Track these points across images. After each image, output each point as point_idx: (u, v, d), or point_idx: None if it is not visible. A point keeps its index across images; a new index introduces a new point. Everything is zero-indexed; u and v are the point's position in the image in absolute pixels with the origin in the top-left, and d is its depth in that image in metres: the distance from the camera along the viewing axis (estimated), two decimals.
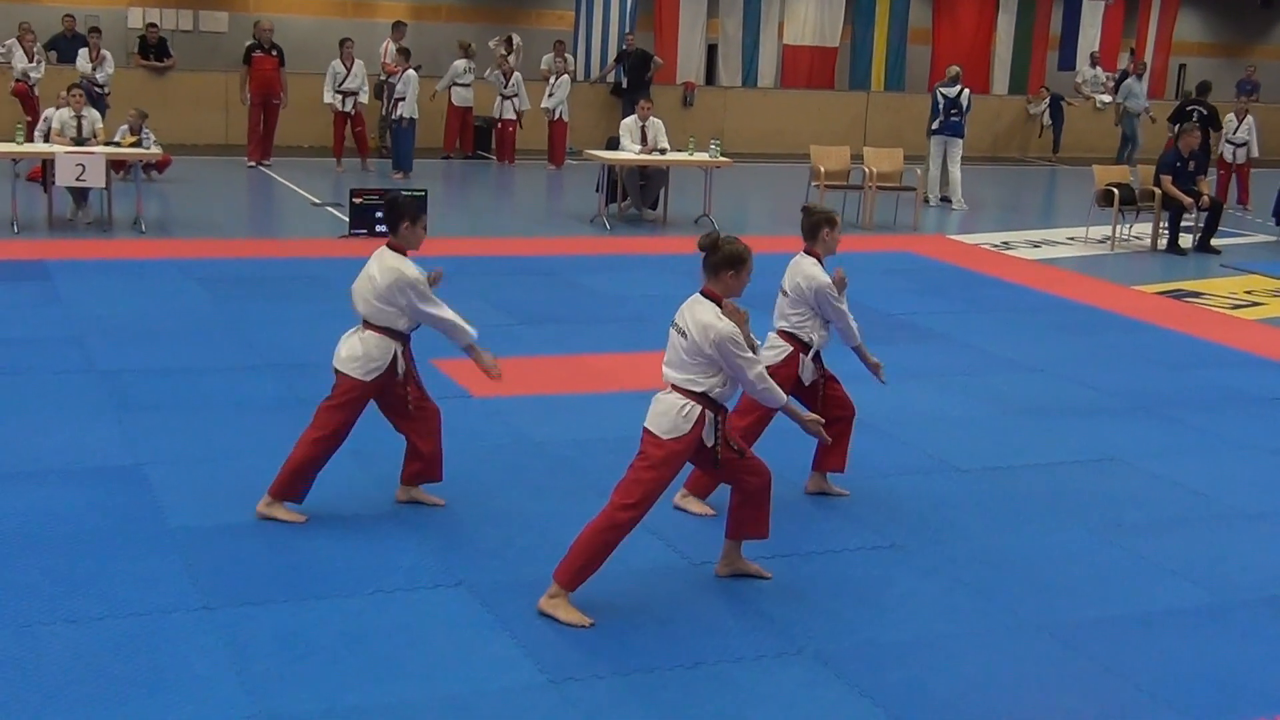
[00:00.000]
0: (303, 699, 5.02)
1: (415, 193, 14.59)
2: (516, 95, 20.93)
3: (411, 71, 19.12)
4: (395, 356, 6.76)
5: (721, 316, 5.82)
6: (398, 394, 6.84)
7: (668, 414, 5.82)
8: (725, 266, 5.89)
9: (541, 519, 6.86)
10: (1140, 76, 24.83)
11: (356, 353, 6.73)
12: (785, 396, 6.07)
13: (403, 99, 18.96)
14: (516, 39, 22.44)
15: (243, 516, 6.67)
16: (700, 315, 5.82)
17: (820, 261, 7.22)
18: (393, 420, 6.94)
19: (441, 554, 6.38)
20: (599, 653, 5.49)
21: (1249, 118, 19.83)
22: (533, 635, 5.61)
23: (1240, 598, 6.38)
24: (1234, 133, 19.93)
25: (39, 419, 8.00)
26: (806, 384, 7.20)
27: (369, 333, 6.76)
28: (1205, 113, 19.70)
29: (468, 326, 6.77)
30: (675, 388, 5.85)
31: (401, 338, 6.80)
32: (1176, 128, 19.46)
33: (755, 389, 5.92)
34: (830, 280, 7.09)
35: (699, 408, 5.81)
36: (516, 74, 21.04)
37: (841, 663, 5.52)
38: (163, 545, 6.30)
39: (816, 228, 7.19)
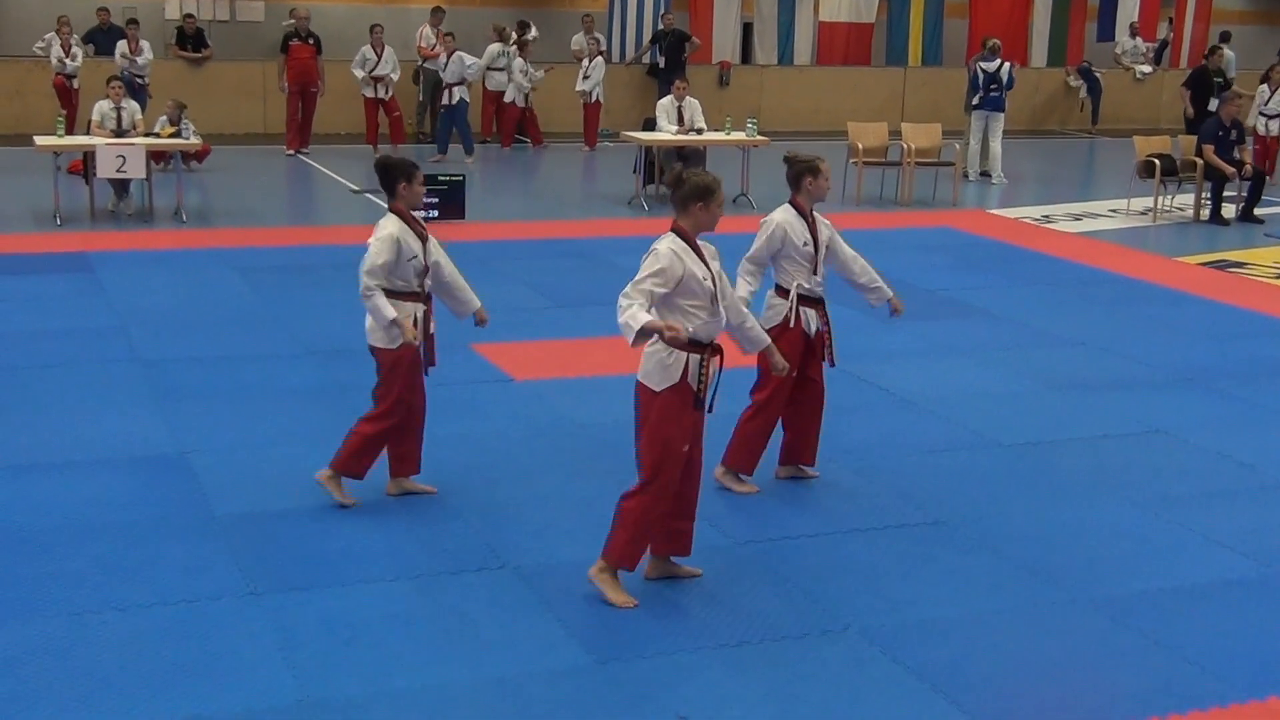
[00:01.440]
0: (350, 683, 5.04)
1: (454, 176, 14.67)
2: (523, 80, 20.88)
3: (461, 53, 19.23)
4: (416, 319, 6.66)
5: (665, 241, 5.73)
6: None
7: (652, 365, 5.73)
8: (693, 199, 5.75)
9: (584, 500, 6.87)
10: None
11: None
12: (638, 330, 5.57)
13: (460, 82, 19.10)
14: (533, 28, 22.37)
15: (287, 503, 6.71)
16: (656, 244, 5.74)
17: (803, 211, 7.07)
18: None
19: (485, 537, 6.39)
20: (644, 633, 5.50)
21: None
22: (578, 617, 5.62)
23: None
24: (1265, 103, 18.88)
25: (84, 409, 8.06)
26: (811, 335, 7.11)
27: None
28: (1222, 81, 19.31)
29: (384, 311, 6.50)
30: None
31: (418, 297, 6.69)
32: (1188, 93, 19.24)
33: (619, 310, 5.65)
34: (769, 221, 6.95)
35: (682, 354, 5.69)
36: (518, 59, 20.96)
37: (887, 640, 5.51)
38: (209, 532, 6.35)
39: (799, 177, 7.04)
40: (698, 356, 5.70)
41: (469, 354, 9.43)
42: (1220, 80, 18.92)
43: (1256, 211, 16.34)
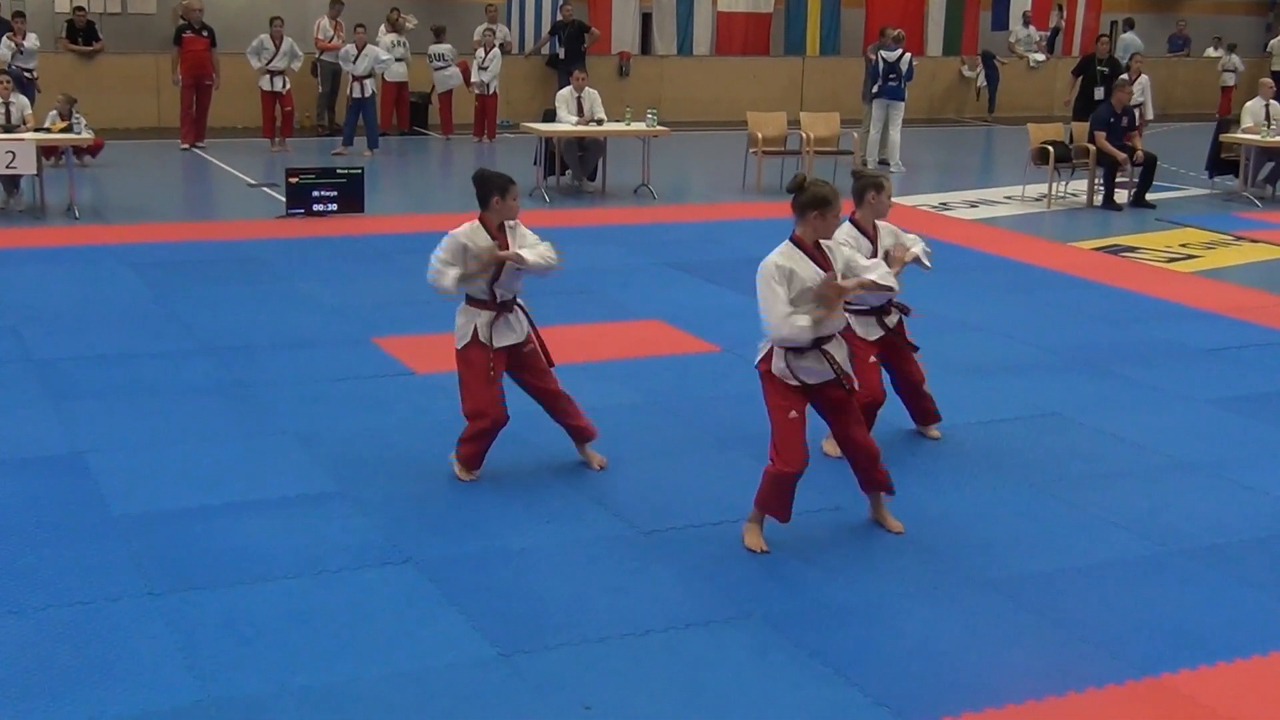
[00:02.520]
0: (252, 681, 5.00)
1: (353, 170, 14.56)
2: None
3: (371, 45, 19.12)
4: (476, 329, 6.88)
5: (779, 252, 6.11)
6: (523, 360, 7.05)
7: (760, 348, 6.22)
8: (810, 208, 6.10)
9: (486, 493, 6.86)
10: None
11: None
12: (797, 331, 6.04)
13: (369, 75, 18.97)
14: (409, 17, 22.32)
15: (186, 501, 6.63)
16: (762, 263, 6.13)
17: (860, 226, 7.23)
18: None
19: (387, 532, 6.36)
20: (548, 625, 5.50)
21: (1143, 78, 19.02)
22: (481, 609, 5.60)
23: (1181, 547, 6.46)
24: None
25: None
26: (873, 340, 7.27)
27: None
28: (1107, 70, 19.46)
29: (448, 274, 6.80)
30: None
31: (481, 304, 6.88)
32: (1079, 80, 19.45)
33: (766, 324, 6.09)
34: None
35: (768, 342, 6.14)
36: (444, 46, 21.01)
37: (790, 626, 5.56)
38: (106, 533, 6.26)
39: (861, 193, 7.18)
40: (784, 351, 6.13)
41: (370, 347, 9.38)
42: (1105, 69, 19.10)
43: (1148, 196, 16.64)
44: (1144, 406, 8.63)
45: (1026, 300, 11.42)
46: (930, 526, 6.60)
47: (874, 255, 7.10)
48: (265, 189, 15.85)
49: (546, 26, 23.67)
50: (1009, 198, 17.10)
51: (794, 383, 6.18)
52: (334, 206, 14.13)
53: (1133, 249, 13.93)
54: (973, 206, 16.42)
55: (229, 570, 5.91)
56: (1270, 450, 7.88)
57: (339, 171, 14.56)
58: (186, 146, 18.96)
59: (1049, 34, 28.25)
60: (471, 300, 6.92)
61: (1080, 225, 15.42)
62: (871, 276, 6.27)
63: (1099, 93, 18.70)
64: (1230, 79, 28.40)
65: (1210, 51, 29.65)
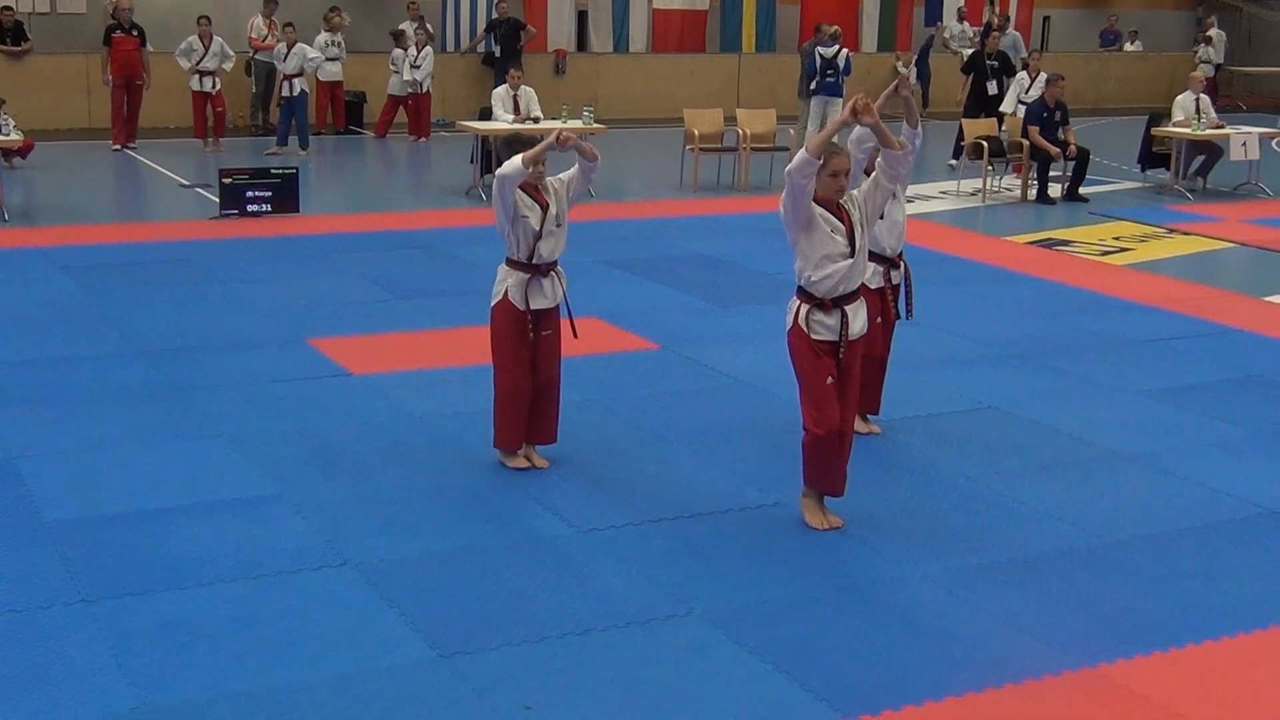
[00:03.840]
0: (188, 688, 4.94)
1: (287, 169, 14.45)
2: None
3: (301, 44, 18.98)
4: (508, 290, 6.97)
5: None
6: (539, 339, 7.08)
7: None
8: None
9: (424, 494, 6.82)
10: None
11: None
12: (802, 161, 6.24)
13: (299, 74, 18.84)
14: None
15: (120, 506, 6.55)
16: None
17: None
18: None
19: (324, 534, 6.31)
20: (489, 625, 5.47)
21: (1041, 76, 18.20)
22: (421, 612, 5.57)
23: (1117, 538, 6.52)
24: (1026, 92, 18.42)
25: None
26: (873, 290, 7.31)
27: None
28: (998, 65, 19.52)
29: (515, 161, 6.79)
30: None
31: (518, 265, 6.96)
32: (970, 77, 19.45)
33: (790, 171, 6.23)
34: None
35: (796, 300, 6.33)
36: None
37: (730, 622, 5.56)
38: (38, 539, 6.17)
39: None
40: (807, 307, 6.30)
41: (305, 349, 9.31)
42: (995, 64, 19.18)
43: (1081, 190, 16.78)
44: (1079, 399, 8.70)
45: (962, 294, 11.49)
46: (869, 521, 6.62)
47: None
48: (198, 189, 15.69)
49: (482, 24, 23.57)
50: (944, 193, 17.20)
51: (816, 337, 6.28)
52: (268, 207, 14.02)
53: (1067, 243, 14.05)
54: (908, 202, 16.44)
55: (164, 575, 5.84)
56: (1204, 440, 7.96)
57: (273, 171, 14.45)
58: (118, 147, 18.75)
59: (982, 29, 28.40)
60: (511, 261, 7.00)
61: (1015, 219, 15.53)
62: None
63: (992, 87, 18.80)
64: (1209, 70, 28.67)
65: (1129, 46, 29.94)
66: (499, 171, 6.85)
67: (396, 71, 20.83)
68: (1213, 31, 29.04)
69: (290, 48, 19.03)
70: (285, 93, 18.97)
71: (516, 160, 6.76)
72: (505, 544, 6.26)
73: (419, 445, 7.54)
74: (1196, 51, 28.70)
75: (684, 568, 6.07)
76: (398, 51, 20.81)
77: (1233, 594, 5.95)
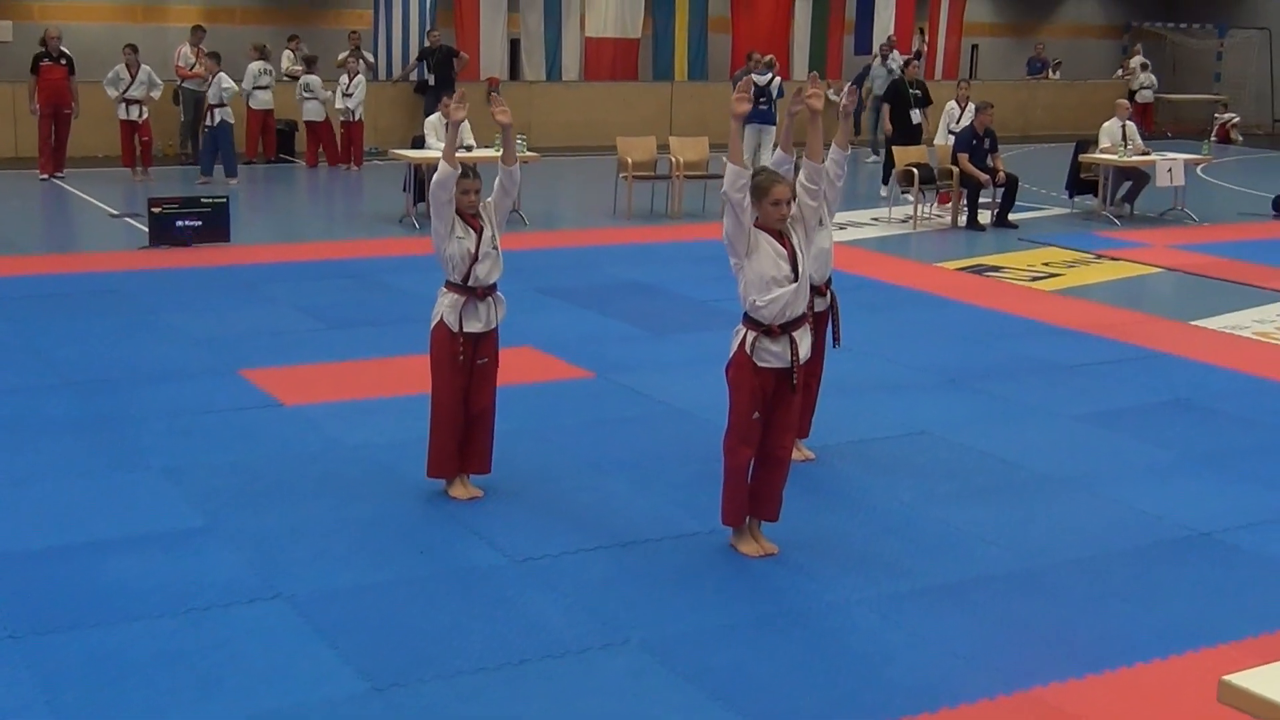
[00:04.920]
0: None
1: (217, 199, 14.35)
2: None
3: (224, 74, 18.85)
4: (442, 313, 6.96)
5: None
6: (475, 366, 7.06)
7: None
8: (752, 196, 6.22)
9: (358, 525, 6.77)
10: (884, 58, 24.46)
11: None
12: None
13: (220, 104, 18.66)
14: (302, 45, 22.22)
15: (47, 540, 6.45)
16: None
17: None
18: None
19: (257, 567, 6.24)
20: (423, 657, 5.43)
21: (970, 105, 18.22)
22: (354, 644, 5.52)
23: (1048, 560, 6.57)
24: (956, 122, 18.45)
25: None
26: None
27: None
28: (920, 94, 19.70)
29: (440, 165, 6.89)
30: None
31: (454, 288, 6.96)
32: (887, 107, 19.57)
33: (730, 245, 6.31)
34: None
35: (742, 327, 6.31)
36: (313, 77, 20.83)
37: (666, 650, 5.54)
38: None
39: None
40: (754, 334, 6.28)
41: (237, 379, 9.23)
42: (918, 93, 19.38)
43: (1010, 217, 16.95)
44: (1011, 423, 8.77)
45: (894, 320, 11.57)
46: (804, 547, 6.63)
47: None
48: (128, 219, 15.55)
49: (414, 53, 23.54)
50: (875, 219, 17.33)
51: (762, 365, 6.28)
52: (199, 236, 13.91)
53: (997, 268, 14.18)
54: (840, 229, 16.55)
55: (93, 610, 5.75)
56: (1133, 463, 8.05)
57: (203, 201, 14.35)
58: (45, 176, 18.55)
59: (911, 58, 28.67)
60: (448, 284, 6.98)
61: (945, 246, 15.66)
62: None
63: (915, 116, 18.98)
64: (1149, 95, 29.11)
65: (1051, 75, 30.35)
66: (433, 179, 6.90)
67: (311, 97, 20.69)
68: (1137, 59, 29.57)
69: (212, 77, 18.89)
70: (208, 122, 18.84)
71: (441, 163, 6.84)
72: (439, 575, 6.22)
73: (352, 476, 7.49)
74: (1130, 78, 29.18)
75: (620, 596, 6.05)
76: (254, 65, 20.65)
77: (1164, 616, 6.01)
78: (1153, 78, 29.42)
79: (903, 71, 20.48)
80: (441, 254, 6.95)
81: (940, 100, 20.19)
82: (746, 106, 6.40)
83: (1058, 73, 30.35)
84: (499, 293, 7.10)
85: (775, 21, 27.64)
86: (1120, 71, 30.43)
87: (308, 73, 21.17)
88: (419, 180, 16.15)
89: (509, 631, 5.67)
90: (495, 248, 7.00)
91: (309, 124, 20.84)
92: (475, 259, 6.91)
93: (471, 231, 6.93)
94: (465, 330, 6.94)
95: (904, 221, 17.08)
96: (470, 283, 6.94)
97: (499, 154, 7.14)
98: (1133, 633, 5.83)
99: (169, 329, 10.58)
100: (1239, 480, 7.79)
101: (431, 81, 22.30)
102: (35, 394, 8.82)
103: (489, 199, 7.11)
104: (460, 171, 6.88)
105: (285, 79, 21.84)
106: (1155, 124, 28.54)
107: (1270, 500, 7.48)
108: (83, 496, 7.04)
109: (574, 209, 18.11)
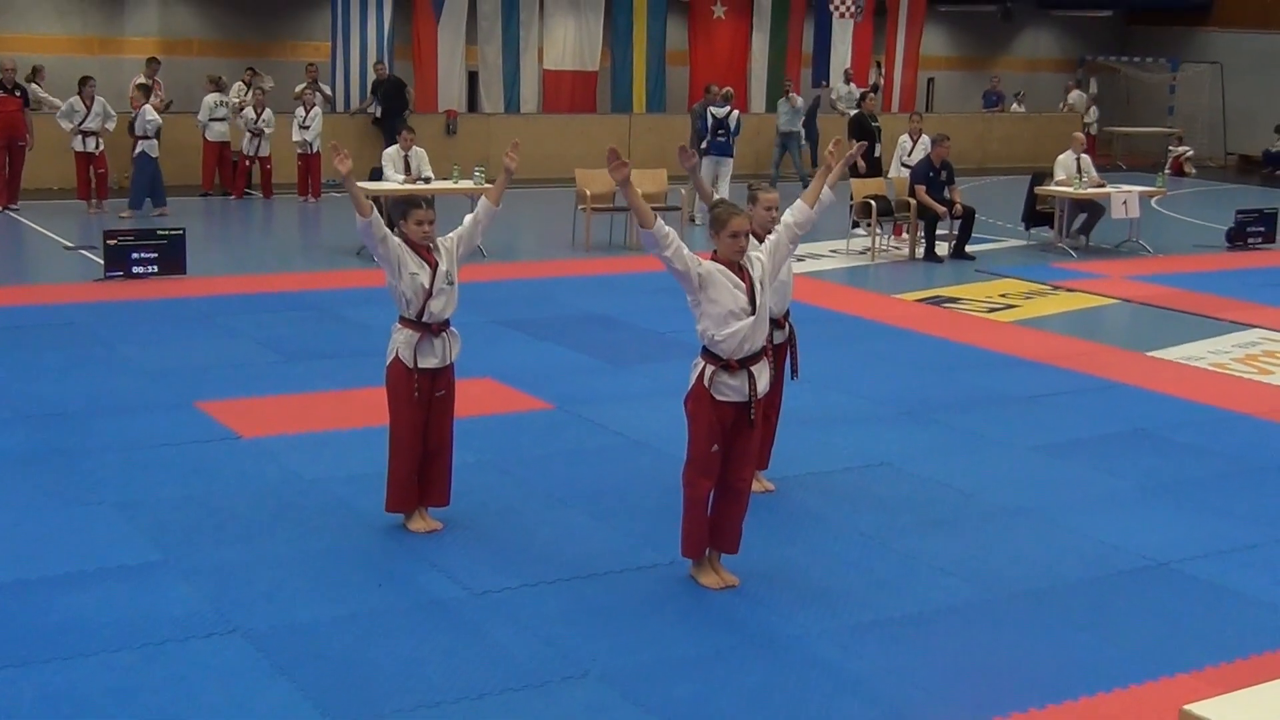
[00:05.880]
0: None
1: (174, 230, 14.28)
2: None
3: (147, 106, 18.58)
4: (398, 349, 6.94)
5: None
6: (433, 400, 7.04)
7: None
8: (711, 228, 6.37)
9: (316, 559, 6.72)
10: (788, 96, 24.52)
11: None
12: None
13: (144, 136, 18.36)
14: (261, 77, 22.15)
15: (0, 575, 6.37)
16: None
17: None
18: None
19: (213, 601, 6.19)
20: (382, 691, 5.39)
21: (924, 138, 18.28)
22: (312, 678, 5.47)
23: (1007, 591, 6.58)
24: (908, 154, 18.52)
25: None
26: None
27: None
28: (875, 124, 19.82)
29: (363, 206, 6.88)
30: None
31: (408, 324, 6.95)
32: (854, 143, 19.75)
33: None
34: None
35: (701, 360, 6.32)
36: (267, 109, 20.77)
37: (627, 682, 5.52)
38: None
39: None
40: (711, 367, 6.29)
41: (193, 412, 9.16)
42: (878, 125, 19.53)
43: (967, 248, 17.04)
44: (969, 454, 8.80)
45: (853, 351, 11.60)
46: (764, 579, 6.62)
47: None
48: (83, 251, 15.44)
49: (371, 85, 23.54)
50: (834, 251, 17.38)
51: (720, 398, 6.28)
52: (155, 269, 13.82)
53: (955, 300, 14.25)
54: (799, 260, 16.59)
55: (47, 646, 5.69)
56: (1090, 494, 8.08)
57: (159, 233, 14.27)
58: None
59: (869, 91, 28.87)
60: (402, 319, 6.97)
61: (903, 277, 15.72)
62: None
63: (877, 149, 19.14)
64: (1093, 127, 29.54)
65: (1015, 107, 30.61)
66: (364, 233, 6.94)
67: (215, 119, 20.53)
68: (1075, 93, 30.14)
69: (137, 110, 18.59)
70: (133, 153, 18.54)
71: (356, 214, 6.88)
72: (398, 608, 6.18)
73: (309, 509, 7.44)
74: (1084, 110, 29.60)
75: (579, 629, 6.02)
76: (210, 97, 20.51)
77: (1122, 646, 6.03)
78: (1096, 110, 29.88)
79: (860, 105, 20.60)
80: (394, 290, 6.93)
81: (893, 133, 20.30)
82: (625, 173, 6.34)
83: (1023, 105, 30.61)
84: (453, 328, 7.07)
85: (733, 54, 27.76)
86: (1062, 105, 30.80)
87: (217, 91, 20.93)
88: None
89: (468, 664, 5.64)
90: (451, 283, 6.98)
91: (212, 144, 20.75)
92: (429, 294, 6.88)
93: (426, 266, 6.91)
94: (420, 366, 6.92)
95: (862, 253, 17.14)
96: (425, 318, 6.91)
97: (478, 186, 7.19)
98: (1092, 663, 5.85)
99: (124, 361, 10.51)
100: (1196, 510, 7.84)
101: (378, 113, 22.32)
102: None
103: (454, 233, 7.10)
104: (376, 217, 6.87)
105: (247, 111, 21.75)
106: (1099, 154, 28.91)
107: (1227, 530, 7.52)
108: (36, 531, 6.96)
109: (533, 240, 18.10)
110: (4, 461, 8.08)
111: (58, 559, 6.60)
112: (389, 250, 6.87)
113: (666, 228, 6.29)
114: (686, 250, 6.32)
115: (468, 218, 7.19)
